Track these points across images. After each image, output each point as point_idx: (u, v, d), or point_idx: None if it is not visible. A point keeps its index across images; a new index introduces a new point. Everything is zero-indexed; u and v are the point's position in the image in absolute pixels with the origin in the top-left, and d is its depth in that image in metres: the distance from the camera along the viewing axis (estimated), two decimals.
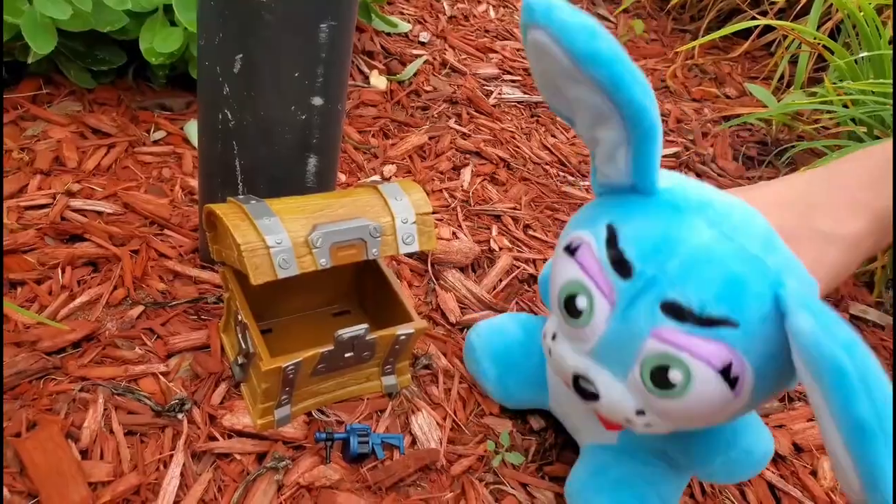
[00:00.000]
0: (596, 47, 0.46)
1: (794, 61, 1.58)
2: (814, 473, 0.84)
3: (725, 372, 0.49)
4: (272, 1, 0.68)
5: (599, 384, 0.56)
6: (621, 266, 0.52)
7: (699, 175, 1.37)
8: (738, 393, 0.50)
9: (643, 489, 0.66)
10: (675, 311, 0.50)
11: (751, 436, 0.64)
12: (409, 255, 0.99)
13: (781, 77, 1.62)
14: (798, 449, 0.87)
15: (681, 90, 1.67)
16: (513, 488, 0.74)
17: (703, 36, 1.46)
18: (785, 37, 1.60)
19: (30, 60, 1.04)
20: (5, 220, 0.88)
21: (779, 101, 1.44)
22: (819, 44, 1.37)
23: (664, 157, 1.39)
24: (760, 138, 1.52)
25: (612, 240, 0.53)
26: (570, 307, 0.55)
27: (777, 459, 0.85)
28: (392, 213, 0.69)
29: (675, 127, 1.51)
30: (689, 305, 0.49)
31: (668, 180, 0.56)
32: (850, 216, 0.54)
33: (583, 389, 0.57)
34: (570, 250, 0.56)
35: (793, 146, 1.40)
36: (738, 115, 1.51)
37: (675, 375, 0.50)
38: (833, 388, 0.41)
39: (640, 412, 0.55)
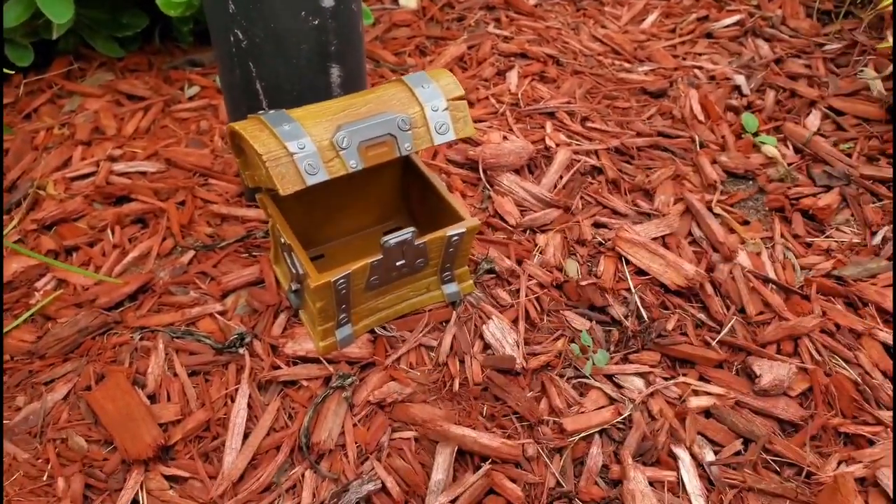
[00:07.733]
0: None
1: None
2: None
3: None
4: None
5: None
6: None
7: (769, 40, 1.24)
8: None
9: None
10: None
11: None
12: (459, 165, 0.93)
13: None
14: None
15: None
16: (598, 381, 0.69)
17: None
18: None
19: (55, 36, 1.03)
20: (52, 192, 0.88)
21: None
22: None
23: (725, 27, 1.26)
24: None
25: None
26: None
27: None
28: (420, 103, 0.63)
29: None
30: None
31: None
32: None
33: None
34: None
35: None
36: None
37: None
38: None
39: None
